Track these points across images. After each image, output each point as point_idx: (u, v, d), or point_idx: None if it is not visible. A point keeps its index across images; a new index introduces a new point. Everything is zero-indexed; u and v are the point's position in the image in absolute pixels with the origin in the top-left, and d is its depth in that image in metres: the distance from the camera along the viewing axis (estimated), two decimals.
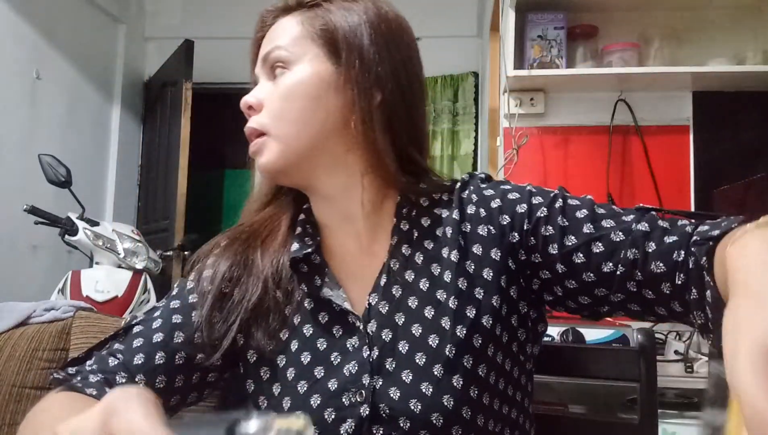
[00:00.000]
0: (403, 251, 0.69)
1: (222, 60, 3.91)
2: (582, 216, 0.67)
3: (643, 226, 0.62)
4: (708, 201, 2.08)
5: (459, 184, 0.74)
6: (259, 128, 0.69)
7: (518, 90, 2.20)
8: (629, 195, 2.17)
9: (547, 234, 0.66)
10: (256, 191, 0.77)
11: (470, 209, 0.70)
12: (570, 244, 0.65)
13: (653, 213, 0.65)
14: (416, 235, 0.70)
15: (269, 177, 0.72)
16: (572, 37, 2.16)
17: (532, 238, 0.67)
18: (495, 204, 0.70)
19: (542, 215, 0.67)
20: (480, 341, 0.65)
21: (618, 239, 0.63)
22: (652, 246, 0.60)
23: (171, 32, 3.93)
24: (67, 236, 2.61)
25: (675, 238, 0.60)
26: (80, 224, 2.60)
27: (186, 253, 3.22)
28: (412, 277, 0.68)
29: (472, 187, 0.73)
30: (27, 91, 3.12)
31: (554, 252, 0.65)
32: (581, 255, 0.64)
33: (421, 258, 0.69)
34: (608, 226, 0.65)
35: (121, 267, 2.70)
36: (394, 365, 0.64)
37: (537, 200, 0.69)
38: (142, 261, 2.75)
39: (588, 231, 0.65)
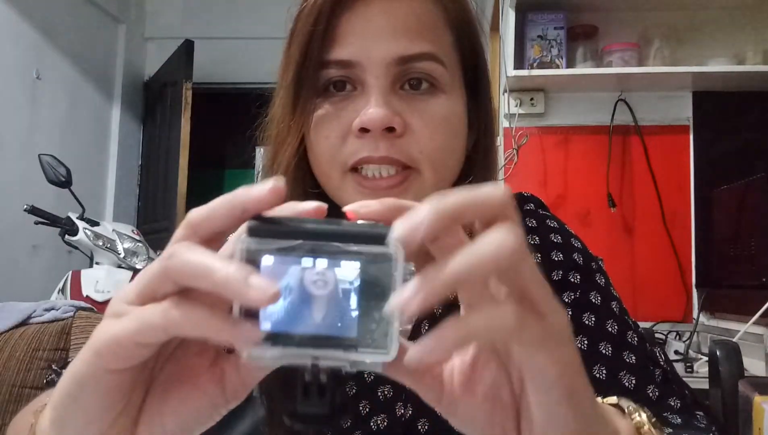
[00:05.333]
0: (435, 312, 0.60)
1: (222, 60, 3.92)
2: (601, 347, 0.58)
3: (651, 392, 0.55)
4: (708, 201, 2.09)
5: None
6: (406, 162, 0.53)
7: (518, 90, 2.20)
8: (629, 195, 2.17)
9: None
10: None
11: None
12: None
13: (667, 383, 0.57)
14: None
15: None
16: (572, 37, 2.16)
17: None
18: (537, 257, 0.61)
19: (567, 301, 0.59)
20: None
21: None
22: None
23: (171, 32, 3.93)
24: (67, 236, 2.61)
25: None
26: (80, 224, 2.60)
27: None
28: None
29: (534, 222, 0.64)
30: (27, 91, 3.12)
31: None
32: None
33: None
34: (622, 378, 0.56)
35: (121, 267, 2.70)
36: (426, 427, 0.56)
37: (574, 279, 0.61)
38: (142, 261, 2.76)
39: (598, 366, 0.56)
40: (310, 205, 0.29)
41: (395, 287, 0.27)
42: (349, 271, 0.28)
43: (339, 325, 0.28)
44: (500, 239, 0.27)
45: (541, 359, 0.28)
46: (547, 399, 0.29)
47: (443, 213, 0.27)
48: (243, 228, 0.29)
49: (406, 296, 0.26)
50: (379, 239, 0.28)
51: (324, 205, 0.30)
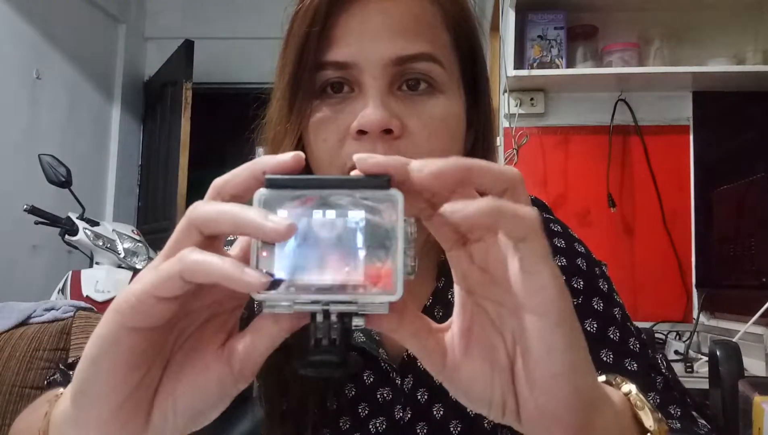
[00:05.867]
0: (449, 297, 0.59)
1: (222, 60, 3.91)
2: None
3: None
4: (708, 201, 2.09)
5: None
6: None
7: (518, 90, 2.20)
8: (629, 195, 2.17)
9: None
10: None
11: None
12: None
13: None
14: None
15: None
16: (572, 37, 2.16)
17: None
18: None
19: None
20: None
21: None
22: None
23: (171, 32, 3.93)
24: (67, 236, 2.61)
25: None
26: (80, 224, 2.60)
27: None
28: None
29: None
30: (27, 91, 3.12)
31: None
32: None
33: None
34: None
35: (121, 267, 2.70)
36: (425, 431, 0.57)
37: (577, 285, 0.61)
38: (142, 261, 2.76)
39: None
40: (288, 156, 0.31)
41: (398, 231, 0.30)
42: (355, 219, 0.30)
43: (347, 270, 0.30)
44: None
45: (544, 274, 0.30)
46: (541, 324, 0.30)
47: (458, 163, 0.30)
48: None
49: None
50: (382, 187, 0.30)
51: (301, 154, 0.31)
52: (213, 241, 0.32)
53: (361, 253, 0.30)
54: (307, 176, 0.31)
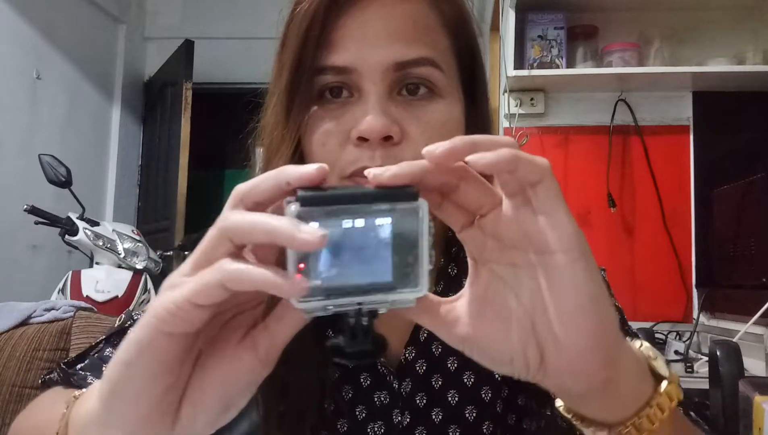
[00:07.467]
0: (449, 271, 0.61)
1: (222, 60, 3.91)
2: None
3: None
4: (708, 201, 2.08)
5: None
6: None
7: (518, 90, 2.20)
8: (629, 195, 2.17)
9: None
10: None
11: None
12: None
13: None
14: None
15: None
16: (572, 37, 2.16)
17: None
18: None
19: None
20: (514, 419, 0.58)
21: None
22: None
23: (171, 32, 3.93)
24: (67, 236, 2.61)
25: None
26: (80, 224, 2.60)
27: (186, 253, 3.21)
28: None
29: None
30: (27, 91, 3.12)
31: None
32: None
33: None
34: None
35: (121, 267, 2.70)
36: None
37: None
38: (142, 261, 2.76)
39: None
40: (313, 167, 0.32)
41: (422, 235, 0.33)
42: (383, 227, 0.32)
43: (377, 273, 0.32)
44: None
45: (561, 211, 0.33)
46: (565, 260, 0.32)
47: (464, 139, 0.32)
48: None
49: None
50: (407, 197, 0.32)
51: (325, 166, 0.32)
52: (240, 248, 0.33)
53: (389, 257, 0.32)
54: (337, 191, 0.32)
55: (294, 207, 0.31)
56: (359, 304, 0.33)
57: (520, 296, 0.35)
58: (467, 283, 0.37)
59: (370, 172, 0.32)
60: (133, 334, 0.32)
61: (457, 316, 0.36)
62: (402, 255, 0.33)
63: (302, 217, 0.31)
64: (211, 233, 0.32)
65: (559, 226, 0.32)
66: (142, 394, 0.32)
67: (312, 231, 0.30)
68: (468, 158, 0.32)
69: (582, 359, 0.33)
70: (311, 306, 0.32)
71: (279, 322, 0.34)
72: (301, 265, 0.31)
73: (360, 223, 0.32)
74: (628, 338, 0.40)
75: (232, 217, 0.31)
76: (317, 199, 0.32)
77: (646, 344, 0.40)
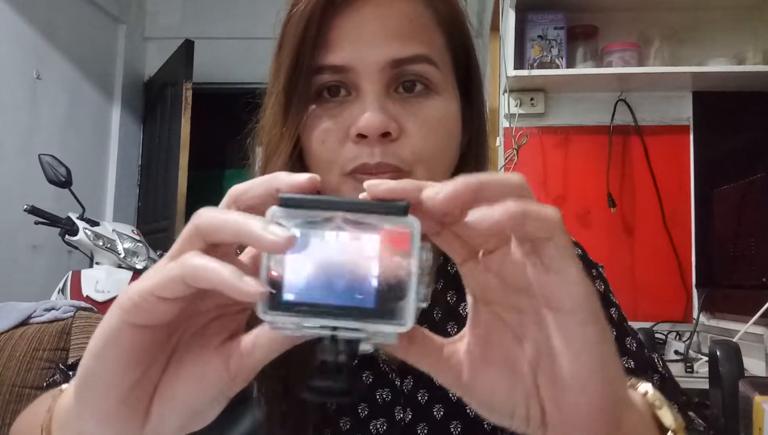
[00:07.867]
0: (448, 299, 0.60)
1: (222, 60, 3.91)
2: None
3: None
4: (708, 201, 2.09)
5: None
6: (399, 165, 0.53)
7: (518, 90, 2.20)
8: (629, 195, 2.17)
9: None
10: None
11: None
12: None
13: None
14: None
15: None
16: (572, 37, 2.16)
17: None
18: None
19: None
20: None
21: None
22: None
23: (171, 32, 3.93)
24: (67, 236, 2.61)
25: None
26: (80, 224, 2.60)
27: None
28: (455, 331, 0.56)
29: None
30: (27, 91, 3.12)
31: None
32: None
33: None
34: None
35: (121, 267, 2.70)
36: (426, 432, 0.57)
37: None
38: (142, 261, 2.75)
39: None
40: (304, 177, 0.31)
41: (413, 260, 0.29)
42: (369, 244, 0.29)
43: (358, 296, 0.29)
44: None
45: (571, 270, 0.30)
46: (573, 321, 0.30)
47: (469, 183, 0.29)
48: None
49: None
50: (399, 214, 0.29)
51: (316, 177, 0.31)
52: (222, 246, 0.32)
53: (374, 280, 0.29)
54: (320, 197, 0.30)
55: (273, 209, 0.30)
56: (334, 328, 0.29)
57: (526, 345, 0.32)
58: (468, 323, 0.34)
59: (367, 183, 0.31)
60: (102, 324, 0.32)
61: (458, 362, 0.33)
62: (388, 281, 0.29)
63: (279, 220, 0.29)
64: (186, 229, 0.32)
65: (571, 286, 0.30)
66: (112, 386, 0.32)
67: (279, 232, 0.28)
68: (468, 220, 0.29)
69: (587, 420, 0.31)
70: (279, 320, 0.29)
71: (255, 344, 0.32)
72: (273, 273, 0.29)
73: (344, 235, 0.29)
74: (633, 380, 0.39)
75: (205, 214, 0.31)
76: (296, 202, 0.30)
77: (651, 392, 0.39)
